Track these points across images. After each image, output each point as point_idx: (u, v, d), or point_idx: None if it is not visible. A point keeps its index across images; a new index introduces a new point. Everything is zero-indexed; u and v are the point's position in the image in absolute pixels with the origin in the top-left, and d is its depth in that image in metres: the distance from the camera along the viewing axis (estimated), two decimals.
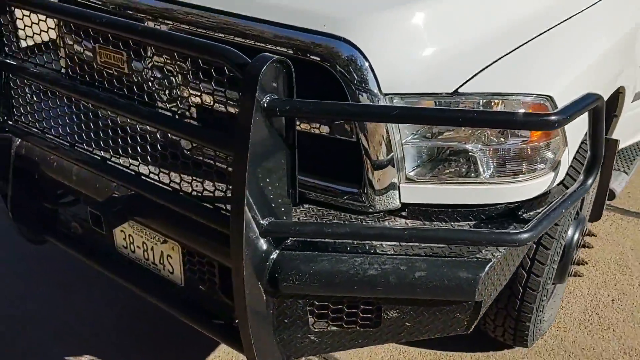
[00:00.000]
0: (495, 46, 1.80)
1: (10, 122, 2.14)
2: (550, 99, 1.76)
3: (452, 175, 1.80)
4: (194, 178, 1.73)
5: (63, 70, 2.13)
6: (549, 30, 1.92)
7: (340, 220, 1.82)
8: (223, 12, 1.82)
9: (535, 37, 1.88)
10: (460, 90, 1.70)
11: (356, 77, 1.66)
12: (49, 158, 2.13)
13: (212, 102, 1.65)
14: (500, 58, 1.78)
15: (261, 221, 1.58)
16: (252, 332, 1.69)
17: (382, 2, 1.74)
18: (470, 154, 1.77)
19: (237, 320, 1.93)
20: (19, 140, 2.19)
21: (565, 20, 1.99)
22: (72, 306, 2.85)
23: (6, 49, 2.07)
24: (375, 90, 1.67)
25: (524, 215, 1.87)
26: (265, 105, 1.43)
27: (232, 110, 1.61)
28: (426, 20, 1.73)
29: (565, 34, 1.95)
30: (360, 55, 1.66)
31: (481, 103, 1.69)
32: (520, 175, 1.83)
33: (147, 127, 1.81)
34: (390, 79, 1.68)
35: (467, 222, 1.84)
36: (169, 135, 1.77)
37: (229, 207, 1.62)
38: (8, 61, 2.04)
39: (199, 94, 1.65)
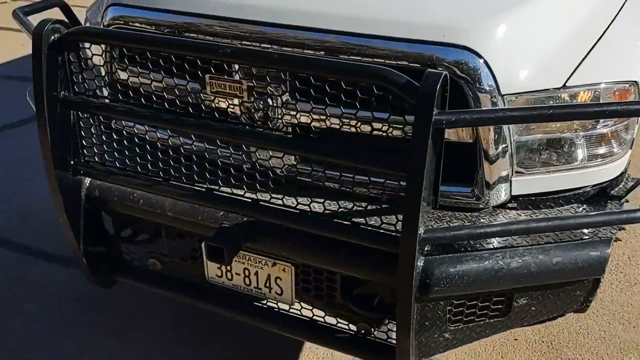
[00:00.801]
0: (583, 40, 1.93)
1: (82, 164, 2.03)
2: (635, 84, 1.92)
3: (556, 162, 1.92)
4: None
5: (151, 104, 2.03)
6: (613, 21, 2.08)
7: (458, 220, 1.89)
8: (332, 31, 1.82)
9: (607, 29, 2.03)
10: (567, 84, 1.82)
11: (478, 82, 1.73)
12: (132, 196, 2.05)
13: (359, 125, 1.66)
14: (590, 51, 1.91)
15: (418, 231, 1.62)
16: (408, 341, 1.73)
17: (489, 7, 1.82)
18: (570, 141, 1.90)
19: (362, 330, 1.99)
20: (91, 181, 2.09)
21: (621, 8, 2.15)
22: None
23: (77, 87, 1.96)
24: (495, 93, 1.76)
25: (612, 192, 2.04)
26: (434, 120, 1.47)
27: (383, 129, 1.63)
28: (530, 21, 1.83)
29: (629, 23, 2.11)
30: (481, 60, 1.73)
31: (589, 94, 1.82)
32: (609, 156, 1.98)
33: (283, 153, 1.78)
34: (506, 80, 1.77)
35: (570, 206, 1.97)
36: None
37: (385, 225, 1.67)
38: (84, 99, 1.93)
39: (351, 117, 1.65)
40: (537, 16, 1.86)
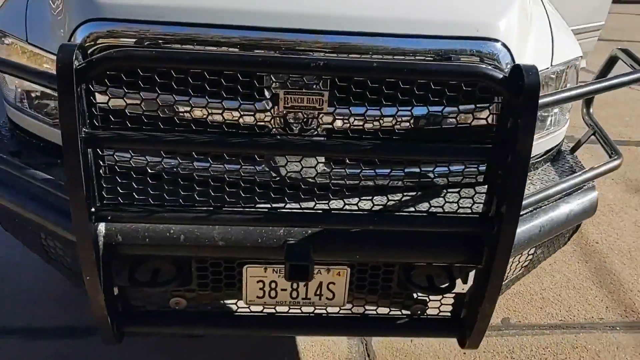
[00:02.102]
0: (545, 27, 2.28)
1: (115, 208, 1.75)
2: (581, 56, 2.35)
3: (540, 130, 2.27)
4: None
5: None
6: (546, 11, 2.47)
7: None
8: (367, 33, 1.86)
9: (548, 17, 2.41)
10: (553, 64, 2.16)
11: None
12: (169, 233, 1.83)
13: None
14: (552, 36, 2.27)
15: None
16: None
17: (499, 4, 2.04)
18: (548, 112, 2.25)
19: (418, 312, 2.12)
20: (116, 226, 1.81)
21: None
22: None
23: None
24: None
25: (565, 150, 2.48)
26: (540, 104, 1.66)
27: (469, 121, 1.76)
28: (522, 15, 2.10)
29: (551, 9, 2.53)
30: (507, 50, 1.96)
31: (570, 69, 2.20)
32: (564, 122, 2.38)
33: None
34: None
35: (546, 165, 2.35)
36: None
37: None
38: (127, 134, 1.66)
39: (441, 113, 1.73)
40: (525, 11, 2.15)
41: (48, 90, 1.98)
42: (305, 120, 1.77)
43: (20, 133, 2.20)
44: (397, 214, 1.88)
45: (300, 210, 1.82)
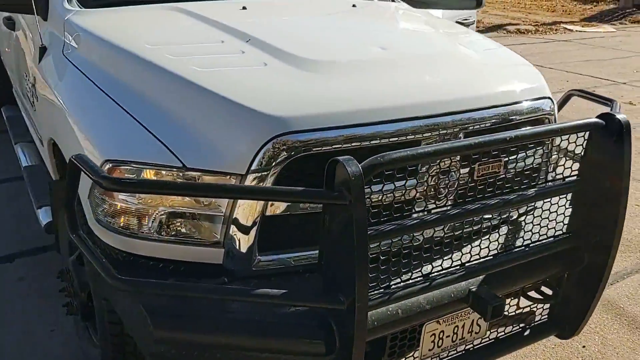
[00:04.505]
0: None
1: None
2: None
3: None
4: None
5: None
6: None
7: None
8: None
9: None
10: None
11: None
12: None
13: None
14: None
15: None
16: None
17: (532, 69, 2.64)
18: None
19: (531, 321, 2.59)
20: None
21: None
22: None
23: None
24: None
25: None
26: None
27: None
28: None
29: None
30: (553, 103, 2.57)
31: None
32: None
33: None
34: None
35: None
36: None
37: None
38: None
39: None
40: None
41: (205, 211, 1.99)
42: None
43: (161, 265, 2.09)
44: (529, 247, 2.33)
45: (481, 262, 2.16)
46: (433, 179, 2.06)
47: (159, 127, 2.06)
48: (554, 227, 2.36)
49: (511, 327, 2.55)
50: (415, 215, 1.99)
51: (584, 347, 3.25)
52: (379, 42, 2.61)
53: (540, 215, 2.31)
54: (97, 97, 2.29)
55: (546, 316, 2.61)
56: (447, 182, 2.08)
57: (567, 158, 2.42)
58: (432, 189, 2.06)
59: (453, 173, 2.09)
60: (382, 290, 1.94)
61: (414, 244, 2.03)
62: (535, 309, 2.59)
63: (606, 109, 2.42)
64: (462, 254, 2.13)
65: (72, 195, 1.96)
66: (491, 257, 2.19)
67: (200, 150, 1.99)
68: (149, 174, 2.02)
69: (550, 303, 2.57)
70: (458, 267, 2.12)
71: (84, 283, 2.65)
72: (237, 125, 1.98)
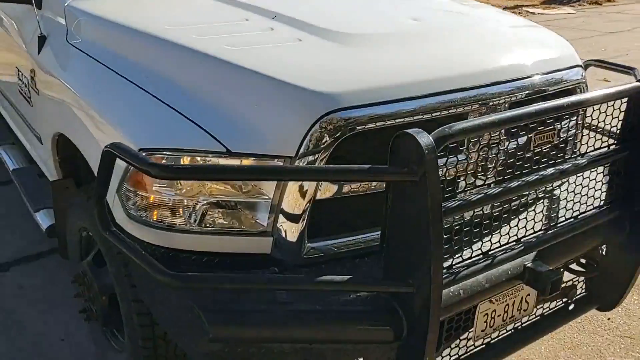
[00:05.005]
0: None
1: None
2: None
3: None
4: None
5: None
6: None
7: None
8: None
9: None
10: None
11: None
12: None
13: None
14: None
15: None
16: None
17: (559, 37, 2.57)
18: None
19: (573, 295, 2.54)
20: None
21: None
22: None
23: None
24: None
25: None
26: None
27: None
28: None
29: None
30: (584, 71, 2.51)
31: None
32: None
33: None
34: None
35: None
36: None
37: None
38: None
39: None
40: None
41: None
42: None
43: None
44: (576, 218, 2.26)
45: (535, 236, 2.08)
46: (491, 151, 1.97)
47: (195, 111, 1.91)
48: (593, 197, 2.31)
49: (555, 302, 2.49)
50: (475, 191, 1.89)
51: (609, 319, 3.23)
52: (409, 14, 2.50)
53: (582, 184, 2.25)
54: (118, 84, 2.12)
55: (584, 290, 2.56)
56: (505, 153, 1.99)
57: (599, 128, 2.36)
58: (492, 162, 1.96)
59: (512, 144, 2.00)
60: (446, 271, 1.84)
61: (474, 220, 1.94)
62: (576, 283, 2.54)
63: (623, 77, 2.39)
64: (518, 229, 2.05)
65: (103, 190, 1.81)
66: (543, 230, 2.12)
67: (245, 133, 1.86)
68: (185, 162, 1.88)
69: (591, 275, 2.51)
70: (514, 242, 2.04)
71: (104, 286, 2.49)
72: (284, 105, 1.86)
